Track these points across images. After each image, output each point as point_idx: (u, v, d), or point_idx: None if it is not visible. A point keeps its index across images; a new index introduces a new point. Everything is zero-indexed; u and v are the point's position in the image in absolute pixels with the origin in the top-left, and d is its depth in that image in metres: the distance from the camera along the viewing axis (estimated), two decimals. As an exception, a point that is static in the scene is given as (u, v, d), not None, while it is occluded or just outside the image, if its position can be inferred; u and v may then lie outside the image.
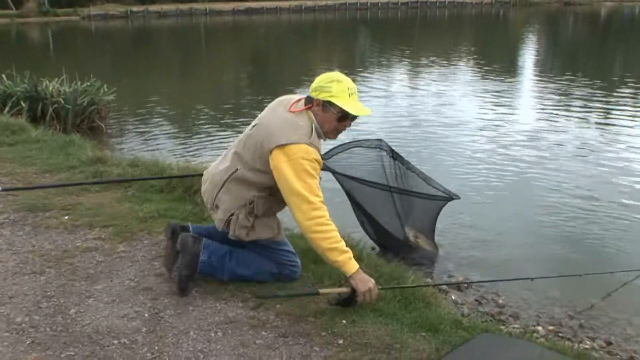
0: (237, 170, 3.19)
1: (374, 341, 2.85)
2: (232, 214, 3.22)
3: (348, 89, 3.06)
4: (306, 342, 2.87)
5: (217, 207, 3.29)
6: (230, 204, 3.22)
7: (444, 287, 4.19)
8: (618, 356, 3.45)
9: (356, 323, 2.99)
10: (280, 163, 2.97)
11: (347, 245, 3.15)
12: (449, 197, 4.77)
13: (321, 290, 3.09)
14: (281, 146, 2.97)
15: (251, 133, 3.21)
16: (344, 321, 3.01)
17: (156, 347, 2.81)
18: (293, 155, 2.95)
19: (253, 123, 3.29)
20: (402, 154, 4.99)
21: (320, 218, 2.96)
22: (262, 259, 3.37)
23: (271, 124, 3.10)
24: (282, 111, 3.15)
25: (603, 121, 10.63)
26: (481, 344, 2.85)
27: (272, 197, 3.20)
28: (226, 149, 3.50)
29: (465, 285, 4.34)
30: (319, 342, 2.87)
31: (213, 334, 2.94)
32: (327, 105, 3.07)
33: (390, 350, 2.79)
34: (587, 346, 3.47)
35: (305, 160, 2.96)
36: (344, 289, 3.10)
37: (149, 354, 2.75)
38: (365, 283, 2.98)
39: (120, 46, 31.68)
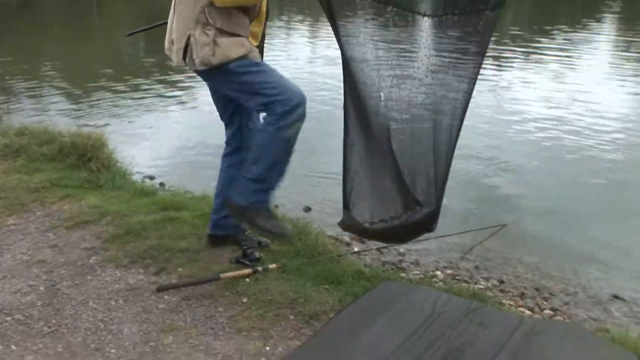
0: None
1: (277, 297, 2.88)
2: (188, 37, 2.77)
3: None
4: (210, 303, 2.86)
5: (172, 43, 2.88)
6: (183, 27, 2.79)
7: (346, 238, 4.27)
8: (510, 293, 3.65)
9: (259, 281, 3.01)
10: None
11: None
12: None
13: (222, 275, 3.01)
14: None
15: None
16: (247, 280, 3.01)
17: (53, 321, 2.71)
18: None
19: None
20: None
21: None
22: (256, 137, 2.94)
23: None
24: None
25: None
26: (383, 293, 2.93)
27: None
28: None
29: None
30: (222, 303, 2.86)
31: (114, 302, 2.87)
32: None
33: (295, 305, 2.83)
34: (481, 286, 3.64)
35: None
36: (245, 271, 3.06)
37: (45, 328, 2.66)
38: None
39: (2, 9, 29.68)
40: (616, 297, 3.63)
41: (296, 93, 2.77)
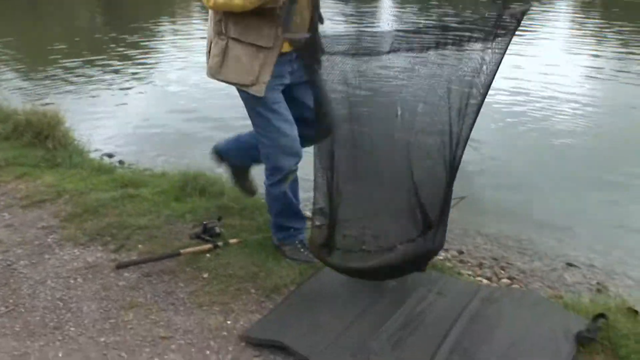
0: None
1: (238, 271, 2.88)
2: (210, 44, 2.70)
3: None
4: (170, 279, 2.85)
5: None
6: (208, 34, 2.73)
7: (307, 213, 4.27)
8: (469, 263, 3.71)
9: (220, 256, 3.00)
10: None
11: (209, 182, 3.10)
12: None
13: (183, 251, 2.99)
14: None
15: None
16: (208, 255, 3.01)
17: (10, 300, 2.67)
18: None
19: None
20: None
21: None
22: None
23: None
24: None
25: None
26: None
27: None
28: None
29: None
30: (183, 278, 2.86)
31: (72, 281, 2.84)
32: None
33: (256, 279, 2.84)
34: (441, 257, 3.68)
35: None
36: (206, 246, 3.05)
37: (2, 308, 2.62)
38: None
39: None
40: (570, 264, 3.72)
41: (285, 150, 2.73)
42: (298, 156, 2.80)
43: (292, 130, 2.75)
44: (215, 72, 2.67)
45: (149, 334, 2.46)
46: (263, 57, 2.59)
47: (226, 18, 2.59)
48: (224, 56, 2.61)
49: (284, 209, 3.01)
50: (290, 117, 2.76)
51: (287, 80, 2.75)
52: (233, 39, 2.60)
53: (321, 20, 2.75)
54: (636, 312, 2.57)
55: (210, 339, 2.43)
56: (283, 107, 2.74)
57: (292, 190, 2.99)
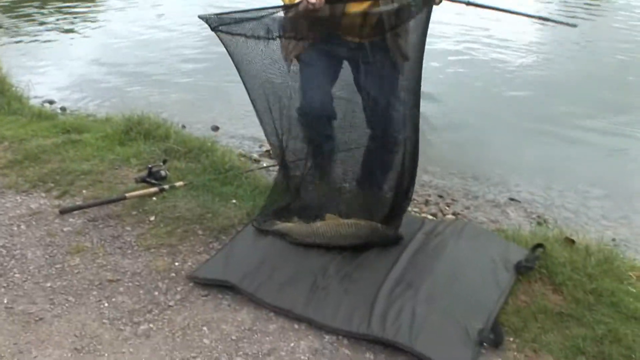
0: None
1: (185, 214, 2.88)
2: None
3: None
4: (117, 223, 2.83)
5: None
6: None
7: (254, 155, 4.28)
8: (415, 201, 3.75)
9: (166, 199, 2.98)
10: None
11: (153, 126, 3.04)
12: None
13: (128, 195, 2.95)
14: None
15: None
16: (154, 198, 2.99)
17: (-49, 249, 2.62)
18: None
19: None
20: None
21: None
22: None
23: None
24: None
25: None
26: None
27: None
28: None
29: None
30: (129, 222, 2.84)
31: (16, 228, 2.79)
32: None
33: (203, 220, 2.84)
34: (388, 196, 3.75)
35: None
36: (152, 189, 3.01)
37: (-56, 257, 2.57)
38: None
39: None
40: (512, 199, 3.84)
41: (304, 98, 2.65)
42: (308, 107, 2.65)
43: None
44: None
45: (96, 278, 2.45)
46: None
47: None
48: None
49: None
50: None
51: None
52: None
53: None
54: (573, 241, 2.67)
55: (158, 281, 2.44)
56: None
57: None
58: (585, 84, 6.26)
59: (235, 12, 2.47)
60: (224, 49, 2.53)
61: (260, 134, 4.72)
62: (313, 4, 2.33)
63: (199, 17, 2.47)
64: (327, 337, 2.14)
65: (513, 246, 2.63)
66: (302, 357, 2.04)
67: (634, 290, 2.35)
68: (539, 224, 3.51)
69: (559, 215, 3.66)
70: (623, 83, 6.33)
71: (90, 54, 7.13)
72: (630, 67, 6.87)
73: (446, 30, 8.00)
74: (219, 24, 2.42)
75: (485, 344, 2.09)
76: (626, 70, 6.80)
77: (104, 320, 2.21)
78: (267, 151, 4.43)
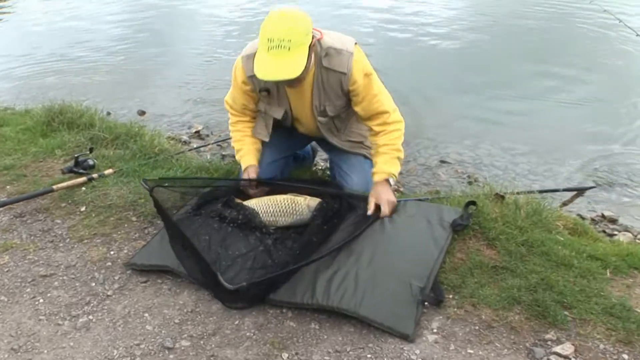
0: None
1: (117, 201, 2.82)
2: None
3: (268, 40, 2.33)
4: (46, 217, 2.75)
5: None
6: None
7: (184, 137, 4.21)
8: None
9: (96, 188, 2.91)
10: None
11: (76, 115, 2.93)
12: None
13: (56, 186, 2.87)
14: None
15: None
16: (83, 188, 2.91)
17: None
18: None
19: None
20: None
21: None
22: None
23: None
24: None
25: None
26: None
27: None
28: None
29: (206, 134, 4.38)
30: (59, 214, 2.76)
31: (-64, 230, 2.68)
32: None
33: (135, 207, 2.79)
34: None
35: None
36: (80, 179, 2.93)
37: None
38: None
39: None
40: (443, 161, 3.91)
41: None
42: None
43: None
44: None
45: (29, 274, 2.37)
46: None
47: None
48: None
49: None
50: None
51: None
52: None
53: None
54: (502, 197, 2.75)
55: (94, 271, 2.38)
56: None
57: None
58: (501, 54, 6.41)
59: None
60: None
61: (188, 117, 4.69)
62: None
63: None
64: (271, 310, 2.14)
65: (446, 207, 2.67)
66: (248, 334, 2.04)
67: (562, 239, 2.45)
68: (469, 183, 3.60)
69: (489, 173, 3.75)
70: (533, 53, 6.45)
71: (2, 47, 6.84)
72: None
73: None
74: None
75: (427, 303, 2.14)
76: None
77: (41, 317, 2.15)
78: (197, 132, 4.38)
